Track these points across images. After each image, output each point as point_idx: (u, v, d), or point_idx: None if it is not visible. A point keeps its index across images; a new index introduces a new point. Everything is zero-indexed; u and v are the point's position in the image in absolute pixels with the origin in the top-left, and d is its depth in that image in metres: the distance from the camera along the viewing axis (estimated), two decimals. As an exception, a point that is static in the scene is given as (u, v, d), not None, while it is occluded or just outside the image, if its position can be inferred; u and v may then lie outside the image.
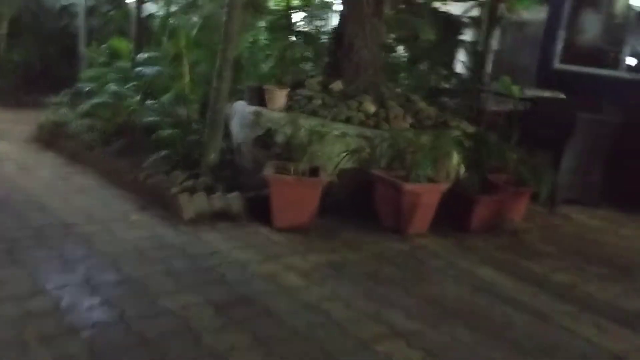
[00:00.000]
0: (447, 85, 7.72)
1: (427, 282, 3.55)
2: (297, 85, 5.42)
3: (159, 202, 4.43)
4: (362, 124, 4.91)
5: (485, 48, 8.54)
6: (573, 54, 9.27)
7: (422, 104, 5.42)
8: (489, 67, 8.89)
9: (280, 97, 5.03)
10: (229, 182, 4.66)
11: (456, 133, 5.02)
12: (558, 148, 5.57)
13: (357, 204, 4.62)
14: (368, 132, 4.74)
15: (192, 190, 4.44)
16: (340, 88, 5.24)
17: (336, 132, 4.61)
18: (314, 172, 4.32)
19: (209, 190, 4.49)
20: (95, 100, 5.44)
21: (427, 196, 4.31)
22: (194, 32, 5.38)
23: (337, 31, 5.57)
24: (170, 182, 4.57)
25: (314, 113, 4.97)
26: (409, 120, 5.07)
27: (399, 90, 5.77)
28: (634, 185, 5.84)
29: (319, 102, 5.06)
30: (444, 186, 4.35)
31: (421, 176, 4.30)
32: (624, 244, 4.80)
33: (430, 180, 4.35)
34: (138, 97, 5.36)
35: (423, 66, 7.64)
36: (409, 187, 4.21)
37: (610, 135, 5.78)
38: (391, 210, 4.36)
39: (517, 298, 3.46)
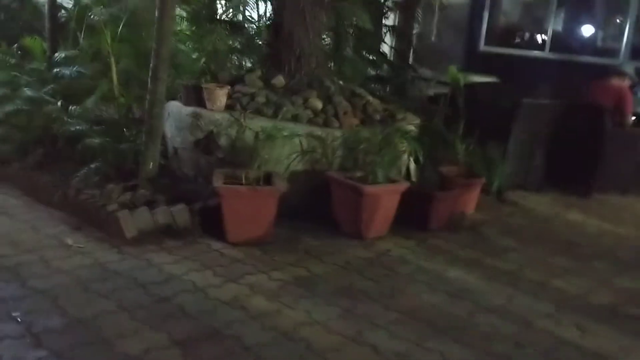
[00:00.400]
0: (378, 73, 7.54)
1: (402, 293, 3.35)
2: (234, 81, 5.05)
3: (94, 221, 3.97)
4: (310, 122, 4.63)
5: (409, 32, 8.45)
6: (498, 35, 9.40)
7: (368, 97, 5.20)
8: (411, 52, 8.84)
9: (220, 96, 4.64)
10: (169, 193, 4.26)
11: (408, 127, 4.84)
12: (502, 135, 5.54)
13: (311, 208, 4.36)
14: (318, 131, 4.47)
15: (131, 206, 4.01)
16: (283, 83, 4.92)
17: (285, 133, 4.30)
18: (268, 178, 4.01)
19: (150, 204, 4.08)
20: (7, 108, 4.83)
21: (387, 198, 4.11)
22: (120, 28, 4.87)
23: (274, 20, 5.23)
24: (105, 198, 4.12)
25: (258, 112, 4.63)
26: (359, 115, 4.84)
27: (341, 82, 5.51)
28: (571, 166, 5.92)
29: (263, 99, 4.73)
30: (404, 186, 4.17)
31: (380, 177, 4.08)
32: (576, 231, 4.82)
33: (390, 180, 4.14)
34: (59, 103, 4.80)
35: (347, 53, 7.36)
36: (369, 189, 3.99)
37: (551, 118, 5.81)
38: (350, 215, 4.13)
39: (495, 303, 3.33)
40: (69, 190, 4.25)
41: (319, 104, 4.75)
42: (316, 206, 4.40)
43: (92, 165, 4.35)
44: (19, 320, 2.70)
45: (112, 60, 4.93)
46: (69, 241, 3.69)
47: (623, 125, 5.90)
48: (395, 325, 2.96)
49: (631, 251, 4.42)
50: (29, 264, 3.32)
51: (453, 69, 5.31)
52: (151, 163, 4.31)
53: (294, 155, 4.31)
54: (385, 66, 7.65)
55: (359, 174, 4.23)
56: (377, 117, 4.96)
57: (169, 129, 4.82)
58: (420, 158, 4.28)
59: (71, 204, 4.19)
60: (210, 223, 3.92)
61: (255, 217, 3.81)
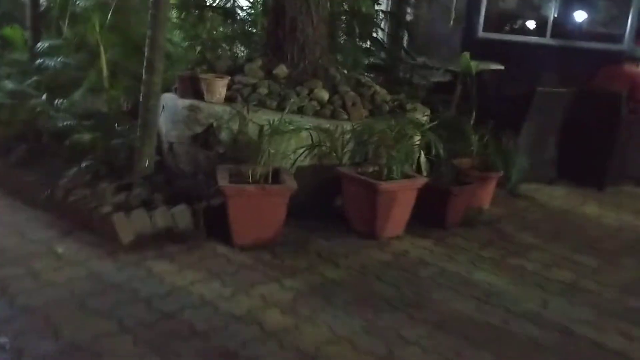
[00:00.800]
0: (375, 61, 7.21)
1: (427, 301, 3.07)
2: (233, 71, 4.72)
3: (86, 225, 3.65)
4: (317, 114, 4.33)
5: (403, 18, 8.13)
6: (497, 21, 9.11)
7: (375, 87, 4.90)
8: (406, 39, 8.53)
9: (219, 87, 4.31)
10: (167, 192, 3.94)
11: (421, 118, 4.55)
12: (513, 125, 5.27)
13: (320, 205, 4.07)
14: (326, 123, 4.16)
15: (127, 207, 3.69)
16: (286, 73, 4.60)
17: (292, 126, 3.99)
18: (276, 176, 3.70)
19: (147, 205, 3.76)
20: (-12, 102, 4.47)
21: (403, 194, 3.83)
22: (109, 15, 4.51)
23: (275, 6, 4.89)
24: (97, 199, 3.79)
25: (261, 104, 4.31)
26: (368, 106, 4.54)
27: (346, 71, 5.20)
28: (584, 157, 5.68)
29: (265, 90, 4.41)
30: (421, 181, 3.88)
31: (396, 172, 3.80)
32: (594, 224, 4.59)
33: (406, 175, 3.85)
34: (43, 96, 4.44)
35: (342, 40, 7.01)
36: (385, 186, 3.70)
37: (564, 106, 5.55)
38: (364, 213, 3.85)
39: (529, 308, 3.07)
40: (57, 190, 3.91)
41: (325, 95, 4.45)
42: (325, 203, 4.12)
43: (83, 164, 4.01)
44: (7, 347, 2.38)
45: (102, 49, 4.57)
46: (60, 249, 3.35)
47: (636, 112, 5.65)
48: (427, 340, 2.68)
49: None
50: (17, 277, 3.00)
51: (466, 56, 5.02)
52: (147, 159, 3.99)
53: (302, 150, 4.00)
54: (382, 54, 7.32)
55: (371, 169, 3.94)
56: (386, 108, 4.67)
57: (163, 123, 4.49)
58: (440, 151, 3.98)
59: (60, 205, 3.86)
60: (214, 224, 3.61)
61: (263, 218, 3.51)
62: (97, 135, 4.17)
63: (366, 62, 6.76)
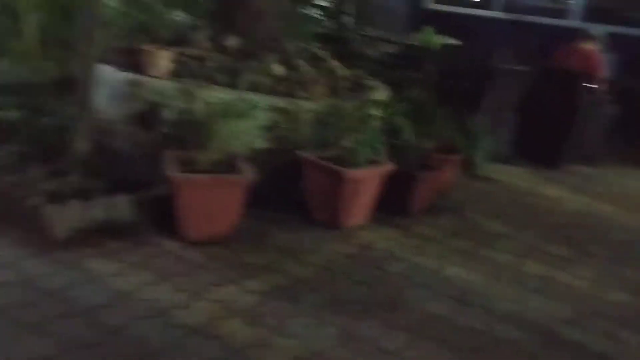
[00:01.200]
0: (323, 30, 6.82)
1: (401, 302, 2.83)
2: (177, 42, 4.26)
3: (12, 218, 3.19)
4: (272, 91, 3.95)
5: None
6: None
7: (333, 62, 4.56)
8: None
9: (163, 59, 3.87)
10: (105, 179, 3.50)
11: (380, 96, 4.26)
12: (472, 103, 5.09)
13: (278, 192, 3.74)
14: (284, 102, 3.81)
15: (60, 197, 3.23)
16: (236, 45, 4.19)
17: (246, 105, 3.61)
18: (230, 162, 3.33)
19: (84, 194, 3.32)
20: None
21: (370, 182, 3.55)
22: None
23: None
24: (25, 187, 3.32)
25: (210, 79, 3.90)
26: (327, 83, 4.20)
27: (301, 44, 4.82)
28: (541, 136, 5.59)
29: (215, 64, 3.99)
30: (387, 167, 3.61)
31: (362, 158, 3.50)
32: (559, 209, 4.48)
33: (372, 161, 3.57)
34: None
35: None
36: (352, 174, 3.40)
37: (521, 85, 5.41)
38: (327, 201, 3.55)
39: (508, 308, 2.88)
40: (-23, 177, 3.41)
41: (280, 70, 4.08)
42: (284, 190, 3.79)
43: (8, 145, 3.51)
44: None
45: (25, 13, 4.00)
46: (-19, 248, 2.89)
47: (593, 92, 5.57)
48: (408, 350, 2.44)
49: (622, 232, 4.11)
50: None
51: (429, 30, 4.74)
52: (82, 141, 3.52)
53: (257, 132, 3.63)
54: (331, 23, 6.91)
55: (334, 153, 3.62)
56: (347, 85, 4.35)
57: (100, 98, 4.00)
58: (408, 135, 3.71)
59: (-20, 195, 3.36)
60: (161, 217, 3.23)
61: (218, 210, 3.15)
62: (25, 113, 3.65)
63: (313, 32, 6.38)
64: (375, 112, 3.81)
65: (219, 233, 3.19)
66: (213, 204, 3.12)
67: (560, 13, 7.72)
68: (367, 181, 3.51)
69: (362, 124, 3.65)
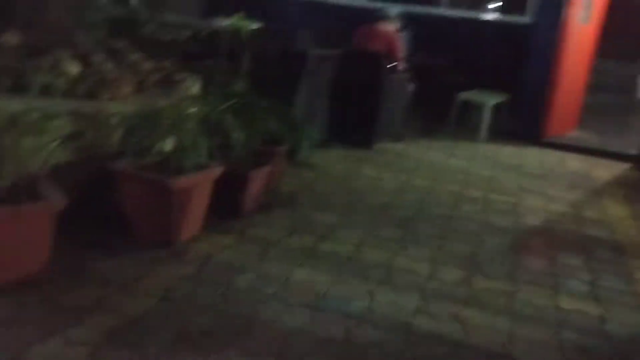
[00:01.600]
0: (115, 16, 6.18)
1: (256, 323, 2.59)
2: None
3: None
4: (68, 94, 3.41)
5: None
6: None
7: (135, 55, 4.08)
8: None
9: None
10: None
11: (192, 90, 3.92)
12: (287, 90, 4.97)
13: (90, 212, 3.25)
14: (84, 106, 3.30)
15: None
16: (18, 41, 3.53)
17: (38, 114, 3.04)
18: (31, 187, 2.76)
19: None
20: None
21: (200, 189, 3.23)
22: None
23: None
24: None
25: (-13, 85, 3.23)
26: (131, 80, 3.74)
27: (93, 35, 4.23)
28: (352, 118, 5.70)
29: (-8, 66, 3.31)
30: (218, 170, 3.31)
31: (188, 163, 3.16)
32: (381, 190, 4.59)
33: (200, 166, 3.24)
34: None
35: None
36: (180, 183, 3.05)
37: (332, 69, 5.42)
38: (152, 216, 3.16)
39: (361, 308, 2.81)
40: None
41: (75, 68, 3.53)
42: (97, 209, 3.30)
43: None
44: None
45: None
46: None
47: (395, 71, 5.80)
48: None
49: (441, 207, 4.32)
50: None
51: (239, 16, 4.47)
52: None
53: (57, 145, 3.08)
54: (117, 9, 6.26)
55: (153, 161, 3.22)
56: (153, 80, 3.93)
57: None
58: (236, 134, 3.42)
59: None
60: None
61: (22, 247, 2.60)
62: None
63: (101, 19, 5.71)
64: (194, 109, 3.47)
65: (28, 274, 2.64)
66: (15, 241, 2.56)
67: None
68: (196, 189, 3.18)
69: (181, 124, 3.29)
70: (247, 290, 2.85)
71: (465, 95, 6.49)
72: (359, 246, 3.48)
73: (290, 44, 5.63)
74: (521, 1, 7.25)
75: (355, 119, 5.68)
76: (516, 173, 5.36)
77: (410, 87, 6.04)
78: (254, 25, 4.73)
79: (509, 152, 6.04)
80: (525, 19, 7.00)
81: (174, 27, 5.95)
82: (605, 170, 5.73)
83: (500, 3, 7.80)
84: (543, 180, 5.22)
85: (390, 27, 5.89)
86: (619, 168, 5.90)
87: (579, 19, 6.34)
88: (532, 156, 6.00)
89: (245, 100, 3.68)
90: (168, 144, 3.17)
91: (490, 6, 7.78)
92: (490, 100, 6.37)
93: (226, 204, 3.58)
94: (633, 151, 6.23)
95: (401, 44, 5.84)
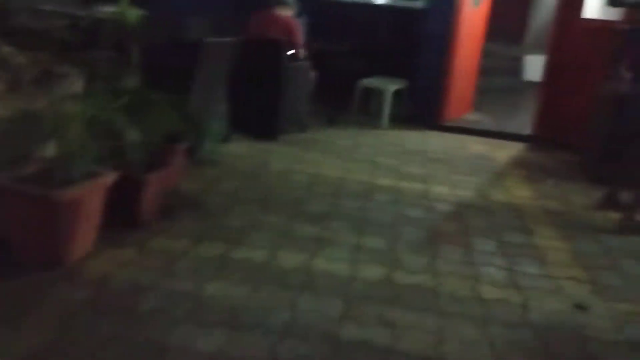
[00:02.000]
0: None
1: (169, 348, 2.31)
2: None
3: None
4: None
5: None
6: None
7: (5, 49, 3.57)
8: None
9: None
10: None
11: (77, 87, 3.49)
12: (183, 83, 4.60)
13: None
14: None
15: None
16: None
17: None
18: None
19: None
20: None
21: (91, 199, 2.85)
22: None
23: None
24: None
25: None
26: (3, 78, 3.26)
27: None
28: (254, 108, 5.44)
29: None
30: (111, 178, 2.94)
31: (75, 172, 2.77)
32: (291, 182, 4.41)
33: (90, 174, 2.86)
34: None
35: None
36: (65, 195, 2.66)
37: (229, 58, 5.10)
38: (36, 234, 2.75)
39: (284, 321, 2.59)
40: None
41: None
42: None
43: None
44: None
45: None
46: None
47: (296, 59, 5.58)
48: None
49: (354, 199, 4.18)
50: None
51: (124, 2, 4.04)
52: None
53: None
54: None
55: (34, 171, 2.81)
56: (29, 77, 3.45)
57: None
58: (131, 135, 3.05)
59: None
60: None
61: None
62: None
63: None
64: (80, 109, 3.06)
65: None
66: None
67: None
68: (86, 200, 2.81)
69: (64, 127, 2.88)
70: (154, 312, 2.54)
71: (366, 82, 6.41)
72: (275, 250, 3.25)
73: (183, 32, 5.24)
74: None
75: (258, 110, 5.42)
76: (422, 159, 5.34)
77: (312, 75, 5.85)
78: (140, 13, 4.30)
79: (413, 138, 6.03)
80: (418, 3, 7.00)
81: (49, 15, 5.38)
82: (504, 152, 5.87)
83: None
84: (448, 165, 5.24)
85: (287, 12, 5.65)
86: (516, 149, 6.06)
87: (471, 2, 6.42)
88: (434, 141, 6.03)
89: (137, 97, 3.30)
90: (50, 151, 2.76)
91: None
92: (390, 86, 6.33)
93: (123, 213, 3.23)
94: (526, 132, 6.44)
95: (300, 30, 5.62)
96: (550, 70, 6.21)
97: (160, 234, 3.27)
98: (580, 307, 2.94)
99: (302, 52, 5.61)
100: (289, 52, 5.46)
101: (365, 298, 2.84)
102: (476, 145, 6.03)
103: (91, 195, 2.84)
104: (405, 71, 6.55)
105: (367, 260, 3.24)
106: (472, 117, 7.00)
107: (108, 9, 4.35)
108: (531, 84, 8.39)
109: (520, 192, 4.70)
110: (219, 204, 3.81)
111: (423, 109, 6.57)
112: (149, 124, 3.22)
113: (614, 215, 4.23)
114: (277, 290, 2.83)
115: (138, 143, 3.11)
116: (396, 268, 3.18)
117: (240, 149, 5.04)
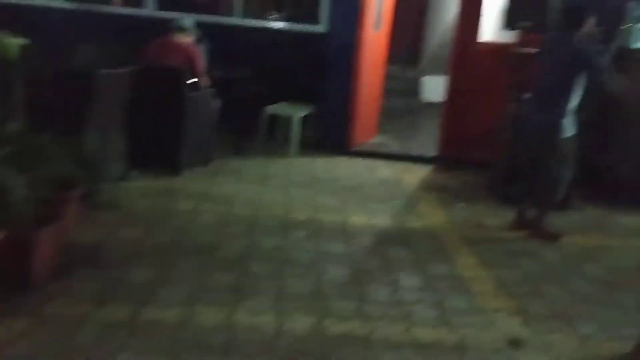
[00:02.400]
0: None
1: None
2: None
3: None
4: None
5: None
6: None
7: None
8: None
9: None
10: None
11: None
12: (73, 120, 4.17)
13: None
14: None
15: None
16: None
17: None
18: None
19: None
20: None
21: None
22: None
23: None
24: None
25: None
26: None
27: None
28: (154, 142, 5.07)
29: None
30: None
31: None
32: (202, 224, 4.09)
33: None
34: None
35: None
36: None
37: (126, 90, 4.72)
38: None
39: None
40: None
41: None
42: None
43: None
44: None
45: None
46: None
47: (197, 88, 5.28)
48: None
49: (270, 238, 3.93)
50: None
51: (2, 33, 3.57)
52: None
53: None
54: None
55: None
56: None
57: None
58: (15, 187, 2.63)
59: None
60: None
61: None
62: None
63: None
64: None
65: None
66: None
67: (134, 1, 7.13)
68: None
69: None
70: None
71: (272, 109, 6.20)
72: (189, 306, 2.94)
73: (70, 62, 4.79)
74: (312, 10, 7.13)
75: (158, 144, 5.04)
76: (334, 187, 5.20)
77: (216, 103, 5.55)
78: (22, 42, 3.83)
79: (322, 165, 5.88)
80: (319, 27, 6.91)
81: None
82: (412, 175, 5.85)
83: (284, 12, 7.55)
84: (361, 192, 5.13)
85: (186, 39, 5.35)
86: (422, 171, 6.07)
87: (372, 26, 6.41)
88: (344, 167, 5.92)
89: (22, 143, 2.88)
90: None
91: (275, 15, 7.52)
92: (296, 112, 6.16)
93: (12, 276, 2.79)
94: (430, 153, 6.49)
95: (201, 58, 5.33)
96: (452, 91, 6.31)
97: (57, 297, 2.86)
98: (516, 342, 2.86)
99: (204, 80, 5.31)
100: (190, 81, 5.15)
101: (295, 357, 2.60)
102: (384, 170, 5.98)
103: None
104: (310, 96, 6.41)
105: (293, 309, 3.01)
106: (377, 140, 6.97)
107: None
108: (430, 104, 8.57)
109: (435, 218, 4.67)
110: (121, 256, 3.42)
111: (331, 134, 6.46)
112: (37, 172, 2.81)
113: (526, 234, 4.31)
114: (197, 356, 2.52)
115: (25, 197, 2.70)
116: (324, 316, 2.97)
117: (141, 188, 4.64)
